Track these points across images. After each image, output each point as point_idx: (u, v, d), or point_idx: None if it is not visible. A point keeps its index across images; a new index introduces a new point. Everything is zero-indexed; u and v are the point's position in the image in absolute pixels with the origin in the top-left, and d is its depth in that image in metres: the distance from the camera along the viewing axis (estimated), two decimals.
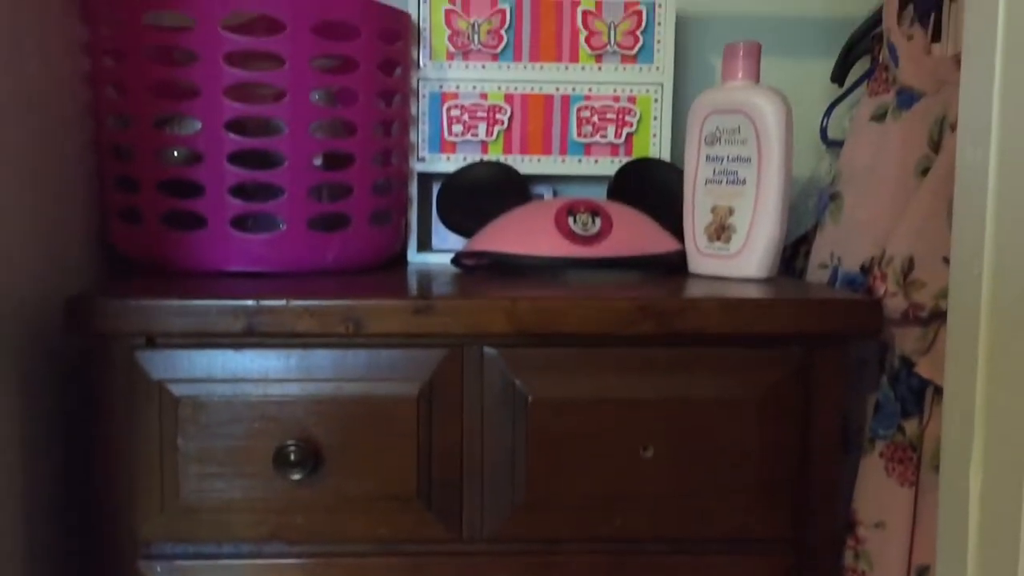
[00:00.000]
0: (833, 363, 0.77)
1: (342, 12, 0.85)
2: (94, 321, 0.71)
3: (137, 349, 0.73)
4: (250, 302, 0.72)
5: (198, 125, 0.81)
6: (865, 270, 0.85)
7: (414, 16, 0.97)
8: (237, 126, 0.82)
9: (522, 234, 0.89)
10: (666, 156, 1.00)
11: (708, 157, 0.89)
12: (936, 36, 0.88)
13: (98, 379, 0.74)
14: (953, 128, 0.79)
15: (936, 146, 0.82)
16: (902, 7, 0.90)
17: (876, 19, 0.95)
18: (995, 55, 0.58)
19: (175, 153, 0.84)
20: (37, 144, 0.76)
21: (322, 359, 0.74)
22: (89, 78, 0.86)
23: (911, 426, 0.80)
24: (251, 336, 0.72)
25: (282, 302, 0.72)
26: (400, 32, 0.92)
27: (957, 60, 0.73)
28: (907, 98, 0.86)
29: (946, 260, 0.72)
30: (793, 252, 1.02)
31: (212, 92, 0.80)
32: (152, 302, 0.71)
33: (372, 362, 0.75)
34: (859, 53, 1.01)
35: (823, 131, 1.03)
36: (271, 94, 0.83)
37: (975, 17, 0.60)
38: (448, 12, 0.97)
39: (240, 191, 0.83)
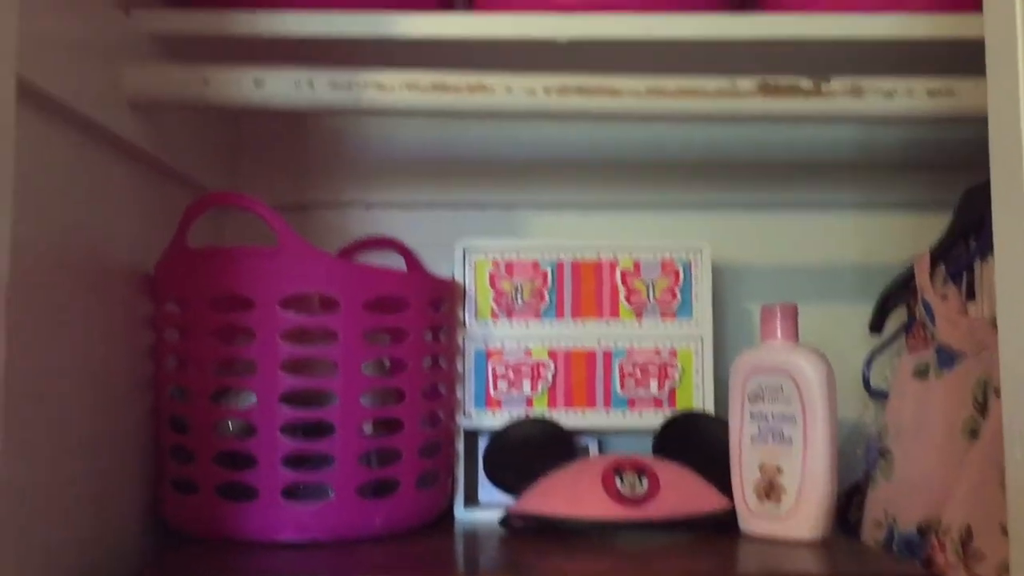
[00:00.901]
0: None
1: (394, 287, 0.89)
2: None
3: None
4: None
5: (253, 398, 0.84)
6: (922, 532, 0.83)
7: (460, 280, 1.01)
8: (289, 397, 0.84)
9: (570, 496, 0.89)
10: (710, 406, 1.01)
11: (752, 415, 0.89)
12: (972, 294, 0.90)
13: None
14: (997, 393, 0.79)
15: (982, 408, 0.82)
16: (933, 266, 0.93)
17: (910, 274, 0.97)
18: None
19: (230, 425, 0.87)
20: (97, 417, 0.79)
21: None
22: (151, 351, 0.90)
23: None
24: None
25: None
26: (447, 298, 0.96)
27: (995, 322, 0.74)
28: (947, 357, 0.87)
29: (1005, 530, 0.71)
30: (847, 503, 1.00)
31: (268, 367, 0.83)
32: None
33: None
34: (895, 304, 1.03)
35: (866, 381, 1.04)
36: (324, 366, 0.86)
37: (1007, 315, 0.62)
38: (492, 275, 1.02)
39: (291, 460, 0.84)
